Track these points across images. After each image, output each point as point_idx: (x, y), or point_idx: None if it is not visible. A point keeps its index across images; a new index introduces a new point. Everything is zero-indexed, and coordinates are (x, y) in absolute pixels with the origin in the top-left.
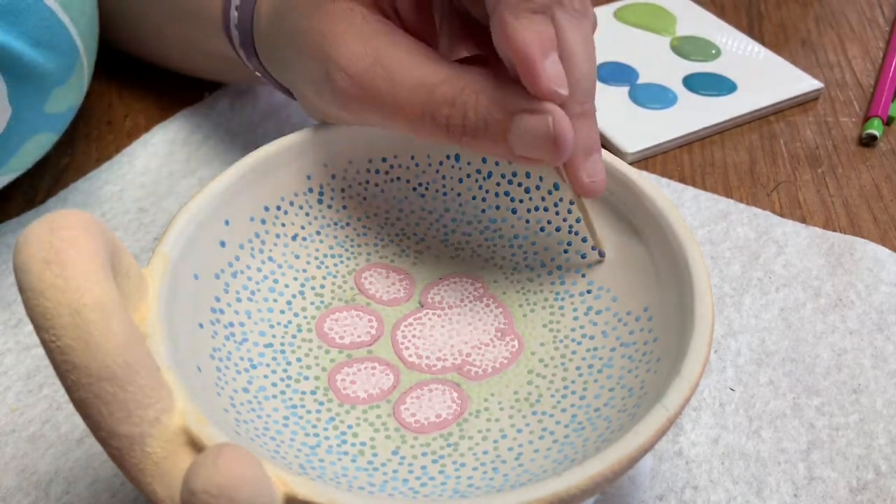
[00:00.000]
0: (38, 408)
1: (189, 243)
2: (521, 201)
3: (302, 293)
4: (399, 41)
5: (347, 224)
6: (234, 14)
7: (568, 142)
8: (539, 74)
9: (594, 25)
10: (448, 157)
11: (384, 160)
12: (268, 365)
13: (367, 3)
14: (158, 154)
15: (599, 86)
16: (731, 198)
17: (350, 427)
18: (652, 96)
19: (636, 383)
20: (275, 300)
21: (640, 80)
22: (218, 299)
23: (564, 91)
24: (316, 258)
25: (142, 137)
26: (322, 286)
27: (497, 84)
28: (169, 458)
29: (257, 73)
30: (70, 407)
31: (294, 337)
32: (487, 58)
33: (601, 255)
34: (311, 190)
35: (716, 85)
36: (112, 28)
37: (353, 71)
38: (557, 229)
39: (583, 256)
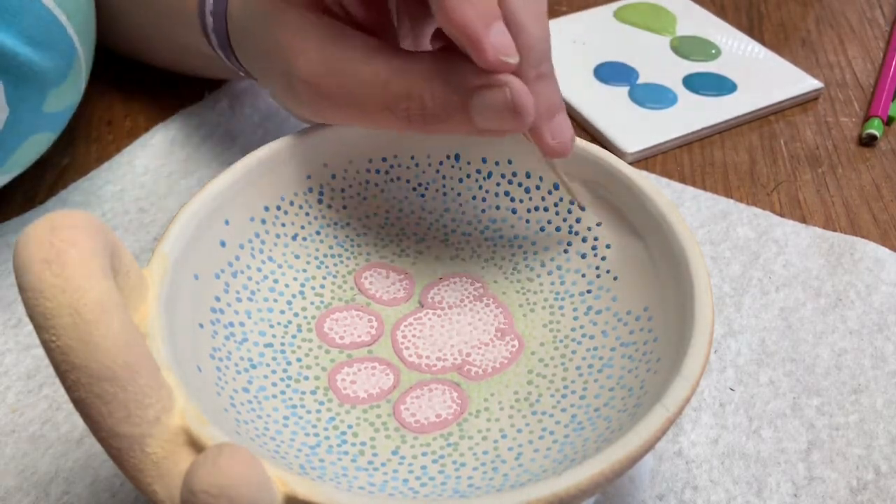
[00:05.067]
0: (38, 408)
1: (189, 243)
2: (521, 201)
3: (302, 293)
4: (350, 41)
5: (347, 224)
6: (209, 19)
7: (528, 108)
8: (484, 47)
9: None
10: (448, 157)
11: (384, 160)
12: (268, 365)
13: (315, 7)
14: (158, 154)
15: (600, 85)
16: (731, 198)
17: (350, 427)
18: (652, 96)
19: (636, 383)
20: (275, 300)
21: (640, 80)
22: (218, 299)
23: (514, 59)
24: (316, 258)
25: (142, 137)
26: (322, 286)
27: (449, 66)
28: (169, 458)
29: (241, 73)
30: (70, 407)
31: (294, 337)
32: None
33: (581, 208)
34: (311, 190)
35: (716, 85)
36: (102, 29)
37: (312, 80)
38: (557, 229)
39: (583, 256)
